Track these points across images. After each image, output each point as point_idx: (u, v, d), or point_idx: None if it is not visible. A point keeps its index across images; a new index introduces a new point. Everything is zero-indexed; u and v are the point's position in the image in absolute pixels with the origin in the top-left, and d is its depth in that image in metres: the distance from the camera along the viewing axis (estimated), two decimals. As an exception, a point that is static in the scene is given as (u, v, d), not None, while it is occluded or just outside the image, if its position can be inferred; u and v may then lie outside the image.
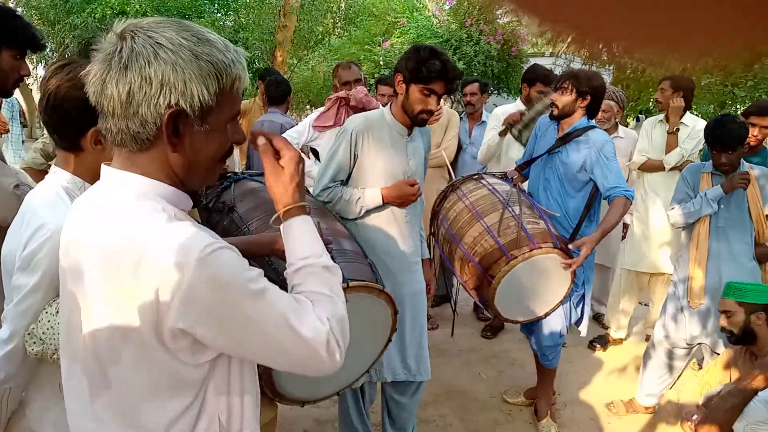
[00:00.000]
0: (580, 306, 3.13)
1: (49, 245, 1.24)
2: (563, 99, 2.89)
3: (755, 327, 2.53)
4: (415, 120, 2.35)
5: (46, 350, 1.25)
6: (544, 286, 2.77)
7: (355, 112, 3.49)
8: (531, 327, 3.15)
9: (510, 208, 2.76)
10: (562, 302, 2.82)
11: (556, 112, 2.93)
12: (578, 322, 3.16)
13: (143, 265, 0.90)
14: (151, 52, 0.89)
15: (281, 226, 1.12)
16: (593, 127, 2.89)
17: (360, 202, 2.35)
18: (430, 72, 2.22)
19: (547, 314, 2.87)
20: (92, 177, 1.39)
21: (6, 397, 1.31)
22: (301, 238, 1.10)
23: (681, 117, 3.97)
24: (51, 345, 1.23)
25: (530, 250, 2.56)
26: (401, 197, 2.36)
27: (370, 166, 2.37)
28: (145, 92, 0.90)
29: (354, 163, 2.38)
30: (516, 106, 4.27)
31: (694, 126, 3.97)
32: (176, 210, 0.99)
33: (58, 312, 1.24)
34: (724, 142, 2.92)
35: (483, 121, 4.46)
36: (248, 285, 0.95)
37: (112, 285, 0.93)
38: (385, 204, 2.39)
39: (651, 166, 4.05)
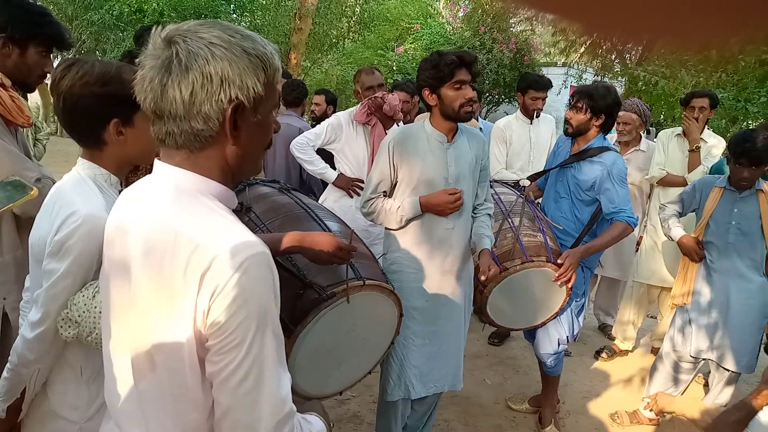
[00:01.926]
0: (581, 316, 3.16)
1: (80, 232, 1.27)
2: (577, 117, 2.90)
3: None
4: (461, 117, 2.34)
5: (81, 332, 1.28)
6: (537, 297, 2.84)
7: (383, 118, 3.53)
8: (533, 334, 3.19)
9: (510, 220, 2.82)
10: (557, 313, 2.89)
11: (570, 130, 2.95)
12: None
13: (193, 260, 0.93)
14: (208, 52, 0.93)
15: None
16: (608, 148, 2.90)
17: (400, 212, 2.36)
18: (449, 65, 2.27)
19: (543, 323, 2.94)
20: (117, 167, 1.44)
21: (34, 378, 1.35)
22: None
23: (702, 132, 3.98)
24: (86, 327, 1.27)
25: (522, 263, 2.65)
26: (439, 205, 2.35)
27: (408, 174, 2.38)
28: (207, 90, 0.94)
29: (395, 174, 2.41)
30: (516, 117, 4.31)
31: (710, 141, 3.99)
32: (227, 210, 1.03)
33: (94, 296, 1.28)
34: (753, 156, 2.87)
35: (480, 128, 4.49)
36: (270, 314, 0.98)
37: (160, 277, 0.97)
38: (425, 212, 2.38)
39: (672, 182, 4.03)
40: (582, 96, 2.88)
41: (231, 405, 0.96)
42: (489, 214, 2.61)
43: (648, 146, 4.31)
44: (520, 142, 4.20)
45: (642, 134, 4.35)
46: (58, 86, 1.34)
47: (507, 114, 4.78)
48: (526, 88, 4.18)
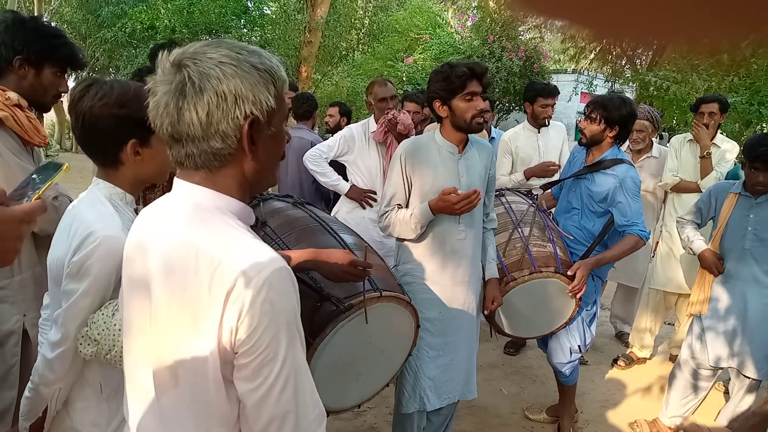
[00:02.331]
0: (593, 325, 3.15)
1: (98, 252, 1.29)
2: (591, 128, 2.89)
3: None
4: (472, 128, 2.34)
5: (100, 350, 1.30)
6: (546, 307, 2.85)
7: (398, 136, 3.55)
8: (547, 343, 3.18)
9: (520, 230, 2.83)
10: (567, 322, 2.90)
11: (584, 140, 2.95)
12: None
13: (217, 278, 0.95)
14: (219, 71, 0.95)
15: None
16: (622, 160, 2.90)
17: (413, 219, 2.34)
18: (461, 77, 2.27)
19: (553, 333, 2.96)
20: (132, 187, 1.46)
21: (55, 397, 1.36)
22: None
23: (713, 138, 3.95)
24: (105, 345, 1.29)
25: (530, 273, 2.66)
26: (446, 209, 2.29)
27: (421, 185, 2.39)
28: (223, 109, 0.96)
29: (409, 185, 2.41)
30: (523, 127, 4.30)
31: (723, 146, 3.96)
32: (246, 227, 1.05)
33: (114, 314, 1.29)
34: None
35: (492, 137, 4.49)
36: (296, 323, 1.00)
37: (183, 294, 0.98)
38: (437, 214, 2.35)
39: (685, 188, 4.01)
40: (596, 107, 2.88)
41: (274, 415, 0.98)
42: (494, 229, 2.63)
43: (660, 152, 4.29)
44: (528, 152, 4.19)
45: (654, 140, 4.33)
46: (77, 106, 1.36)
47: (518, 122, 4.79)
48: (535, 96, 4.17)
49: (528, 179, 4.01)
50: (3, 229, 0.87)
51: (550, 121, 4.26)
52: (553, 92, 4.15)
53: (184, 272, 0.98)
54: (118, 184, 1.43)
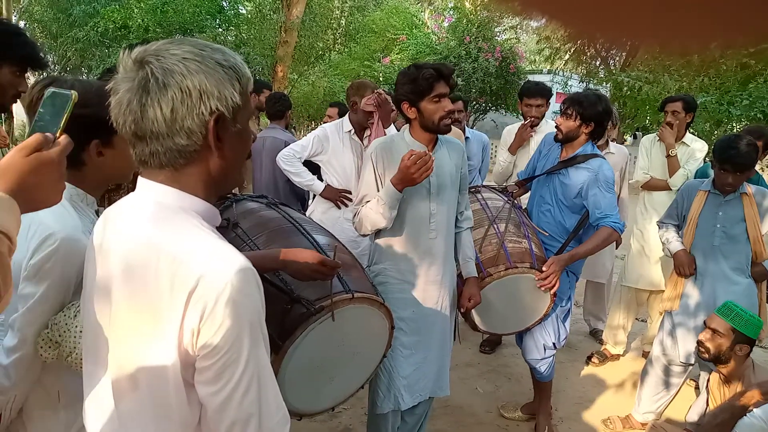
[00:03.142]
0: (567, 321, 3.18)
1: (57, 255, 1.25)
2: (567, 124, 2.91)
3: (734, 355, 2.55)
4: (441, 129, 2.34)
5: (62, 352, 1.26)
6: (521, 302, 2.87)
7: (384, 115, 3.51)
8: (522, 339, 3.20)
9: (495, 226, 2.84)
10: (542, 318, 2.92)
11: (560, 136, 2.96)
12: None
13: (178, 278, 0.93)
14: (183, 67, 0.93)
15: None
16: (596, 155, 2.92)
17: (380, 201, 2.29)
18: (428, 79, 2.26)
19: (528, 329, 2.98)
20: (92, 188, 1.43)
21: (10, 405, 1.32)
22: None
23: (683, 136, 4.01)
24: (66, 347, 1.26)
25: (506, 269, 2.68)
26: (407, 176, 2.21)
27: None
28: (187, 105, 0.94)
29: (381, 185, 2.39)
30: (518, 124, 4.34)
31: (692, 145, 4.02)
32: (211, 227, 1.03)
33: (75, 315, 1.26)
34: (737, 162, 2.89)
35: (467, 137, 4.50)
36: (260, 325, 0.99)
37: (145, 295, 0.96)
38: (408, 215, 2.36)
39: (655, 186, 4.08)
40: (572, 103, 2.90)
41: (237, 419, 0.96)
42: (470, 228, 2.63)
43: (617, 149, 4.34)
44: (521, 148, 4.25)
45: (609, 138, 4.38)
46: (36, 106, 1.33)
47: (494, 122, 4.83)
48: (521, 95, 4.22)
49: (514, 154, 4.22)
50: (45, 172, 0.96)
51: (549, 121, 4.22)
52: (537, 93, 4.11)
53: (145, 272, 0.96)
54: (80, 185, 1.40)
